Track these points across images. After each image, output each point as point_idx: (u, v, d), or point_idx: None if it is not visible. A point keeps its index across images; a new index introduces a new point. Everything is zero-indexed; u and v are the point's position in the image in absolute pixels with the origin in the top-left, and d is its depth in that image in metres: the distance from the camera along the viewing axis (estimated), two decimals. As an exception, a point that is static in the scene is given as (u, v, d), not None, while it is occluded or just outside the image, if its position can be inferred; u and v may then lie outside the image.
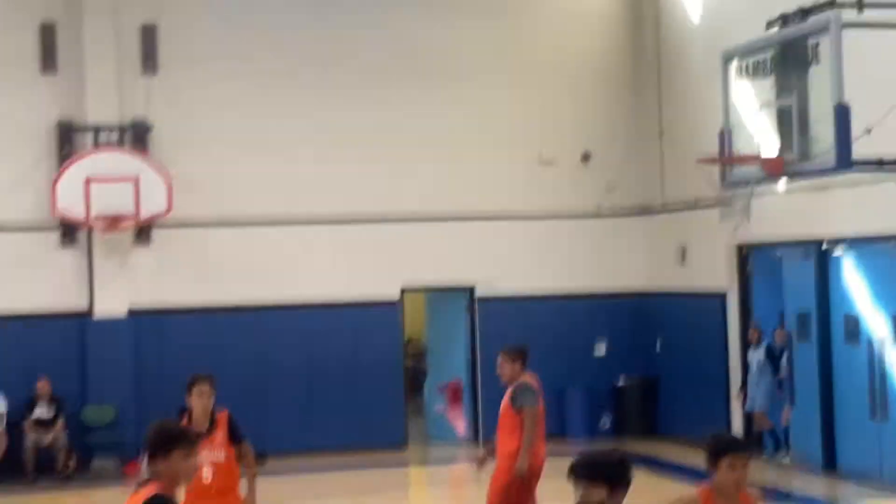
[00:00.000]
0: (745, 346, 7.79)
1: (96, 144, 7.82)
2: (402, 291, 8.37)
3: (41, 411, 7.25)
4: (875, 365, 7.00)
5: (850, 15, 4.84)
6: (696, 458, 4.47)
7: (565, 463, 1.08)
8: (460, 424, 8.86)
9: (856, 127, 4.50)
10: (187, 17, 8.08)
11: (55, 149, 7.88)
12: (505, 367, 4.09)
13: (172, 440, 1.13)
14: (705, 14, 8.15)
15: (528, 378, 4.09)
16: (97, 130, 7.80)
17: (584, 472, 0.99)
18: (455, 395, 8.97)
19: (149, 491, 1.06)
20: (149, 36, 7.86)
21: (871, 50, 5.50)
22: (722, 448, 1.62)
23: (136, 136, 7.79)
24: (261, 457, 4.74)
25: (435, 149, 8.26)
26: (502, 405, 4.14)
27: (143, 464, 1.54)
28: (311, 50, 8.13)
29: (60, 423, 7.24)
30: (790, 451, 7.47)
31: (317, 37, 8.22)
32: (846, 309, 7.21)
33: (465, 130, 8.35)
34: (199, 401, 3.25)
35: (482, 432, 7.73)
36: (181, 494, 2.31)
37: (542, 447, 4.20)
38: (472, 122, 8.38)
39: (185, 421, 3.21)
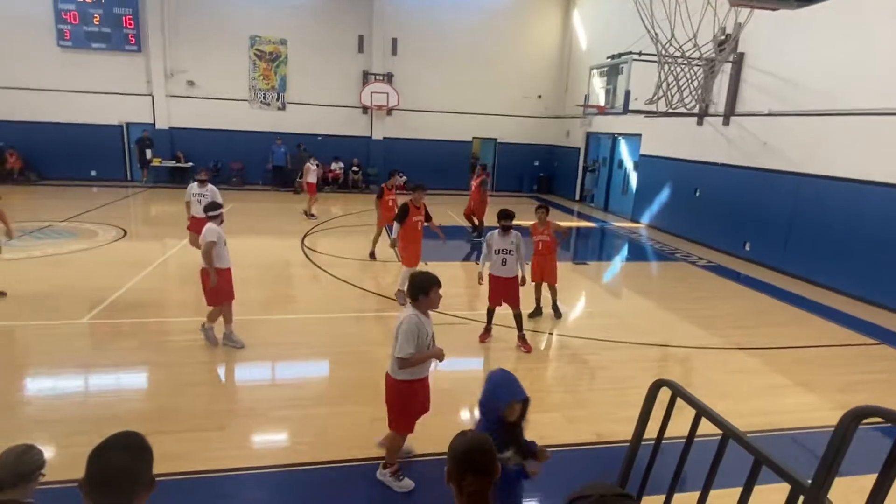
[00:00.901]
0: (584, 169, 22.60)
1: (374, 80, 21.37)
2: None
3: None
4: (627, 175, 21.35)
5: (636, 56, 11.48)
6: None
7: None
8: None
9: (637, 94, 16.53)
10: (411, 34, 21.43)
11: (360, 81, 21.75)
12: None
13: None
14: (587, 50, 20.97)
15: None
16: (375, 75, 21.79)
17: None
18: None
19: None
20: (394, 41, 21.55)
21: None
22: (536, 206, 9.52)
23: (387, 78, 21.79)
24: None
25: None
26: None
27: None
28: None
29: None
30: (593, 202, 22.55)
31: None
32: (618, 157, 21.63)
33: None
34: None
35: None
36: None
37: None
38: None
39: None
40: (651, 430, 2.59)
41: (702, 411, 2.18)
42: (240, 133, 20.28)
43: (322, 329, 7.06)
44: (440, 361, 3.90)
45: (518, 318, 6.63)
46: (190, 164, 19.92)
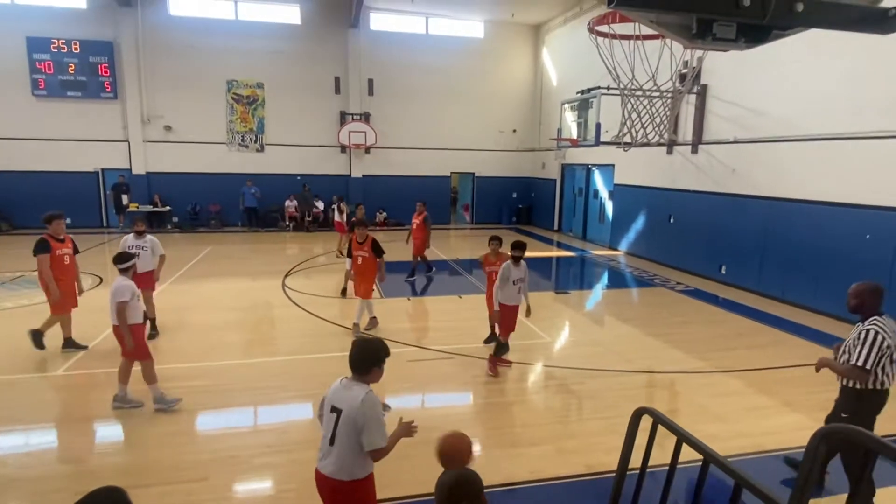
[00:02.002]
0: (563, 198, 22.99)
1: (352, 120, 21.72)
2: None
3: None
4: (603, 204, 21.89)
5: (604, 91, 13.92)
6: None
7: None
8: None
9: (608, 127, 15.18)
10: (387, 75, 21.93)
11: (338, 121, 21.93)
12: None
13: None
14: (557, 86, 21.60)
15: None
16: (352, 115, 22.10)
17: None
18: None
19: None
20: (370, 81, 21.96)
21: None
22: (490, 237, 8.01)
23: (365, 117, 22.11)
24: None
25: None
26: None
27: None
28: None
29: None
30: (571, 232, 22.90)
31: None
32: (594, 187, 22.12)
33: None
34: None
35: None
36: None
37: None
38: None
39: None
40: (637, 458, 2.60)
41: (682, 437, 2.21)
42: (218, 175, 20.29)
43: (305, 370, 6.97)
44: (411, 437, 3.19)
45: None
46: (167, 207, 19.80)
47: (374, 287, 8.53)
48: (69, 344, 7.41)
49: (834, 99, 9.61)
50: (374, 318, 8.57)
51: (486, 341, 7.81)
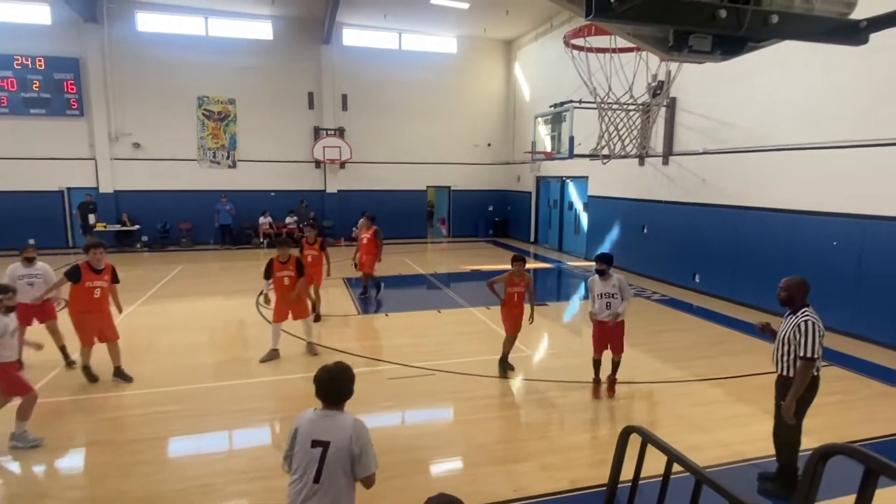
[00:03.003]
0: (538, 210, 23.17)
1: (326, 135, 21.73)
2: None
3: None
4: (578, 216, 22.14)
5: (576, 104, 11.86)
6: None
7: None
8: None
9: (581, 139, 14.37)
10: (361, 90, 21.79)
11: (312, 136, 21.75)
12: None
13: None
14: (530, 100, 21.81)
15: None
16: (326, 130, 21.98)
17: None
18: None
19: None
20: (344, 97, 21.90)
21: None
22: (513, 258, 7.01)
23: (339, 132, 22.00)
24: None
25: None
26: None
27: None
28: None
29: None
30: (547, 243, 23.01)
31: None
32: (569, 199, 22.36)
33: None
34: None
35: None
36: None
37: None
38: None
39: None
40: (624, 475, 2.55)
41: (673, 457, 2.17)
42: (189, 193, 19.91)
43: (280, 392, 6.78)
44: None
45: (617, 364, 6.56)
46: (136, 226, 19.32)
47: (355, 303, 8.34)
48: (86, 373, 6.98)
49: (799, 111, 9.89)
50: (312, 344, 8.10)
51: (505, 367, 7.33)
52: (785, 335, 4.25)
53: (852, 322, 8.97)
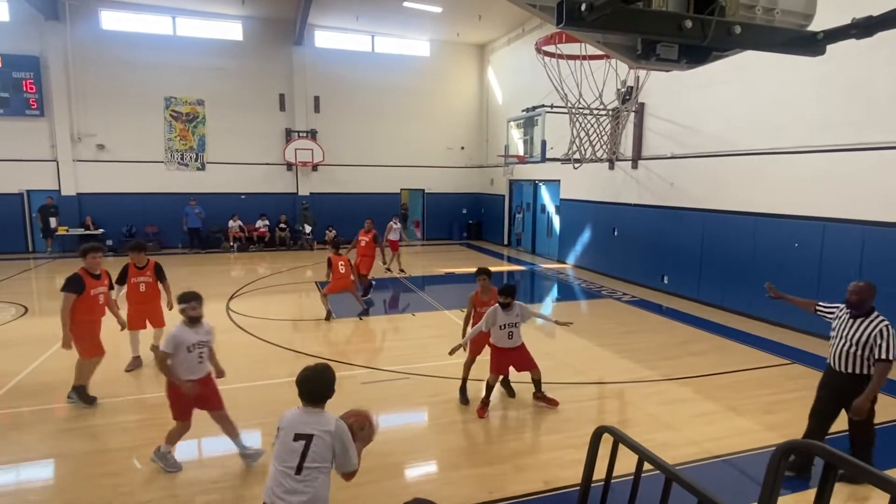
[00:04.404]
0: (511, 214, 23.33)
1: (298, 137, 21.42)
2: None
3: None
4: (550, 219, 22.39)
5: (548, 109, 12.28)
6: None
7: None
8: None
9: (553, 143, 16.41)
10: (334, 92, 21.61)
11: (283, 138, 21.38)
12: None
13: None
14: (503, 104, 21.98)
15: None
16: (298, 132, 21.71)
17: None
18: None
19: None
20: (317, 99, 21.69)
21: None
22: (477, 271, 6.60)
23: (311, 134, 21.75)
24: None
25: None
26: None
27: None
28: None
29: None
30: (521, 246, 23.23)
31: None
32: (541, 202, 22.59)
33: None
34: None
35: None
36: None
37: None
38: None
39: None
40: (596, 474, 2.59)
41: (644, 456, 2.22)
42: (155, 196, 19.45)
43: (252, 399, 6.66)
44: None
45: (538, 381, 6.37)
46: (101, 230, 18.76)
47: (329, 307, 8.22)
48: (79, 394, 6.31)
49: (760, 118, 10.22)
50: (138, 359, 7.66)
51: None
52: (861, 337, 4.44)
53: (813, 321, 9.28)
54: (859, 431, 4.69)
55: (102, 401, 6.41)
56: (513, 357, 6.29)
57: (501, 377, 6.48)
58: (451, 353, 6.21)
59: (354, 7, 18.53)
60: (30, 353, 7.92)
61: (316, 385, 2.99)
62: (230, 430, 5.08)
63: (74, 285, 6.16)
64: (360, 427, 3.10)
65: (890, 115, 8.11)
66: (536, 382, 6.41)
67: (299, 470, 2.82)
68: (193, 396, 4.82)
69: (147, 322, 7.49)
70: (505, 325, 6.15)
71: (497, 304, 6.17)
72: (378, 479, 4.68)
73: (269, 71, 20.27)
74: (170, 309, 7.40)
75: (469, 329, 6.47)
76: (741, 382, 7.22)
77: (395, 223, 15.90)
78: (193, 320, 4.86)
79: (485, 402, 6.20)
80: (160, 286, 7.56)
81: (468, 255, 19.81)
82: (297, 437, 2.86)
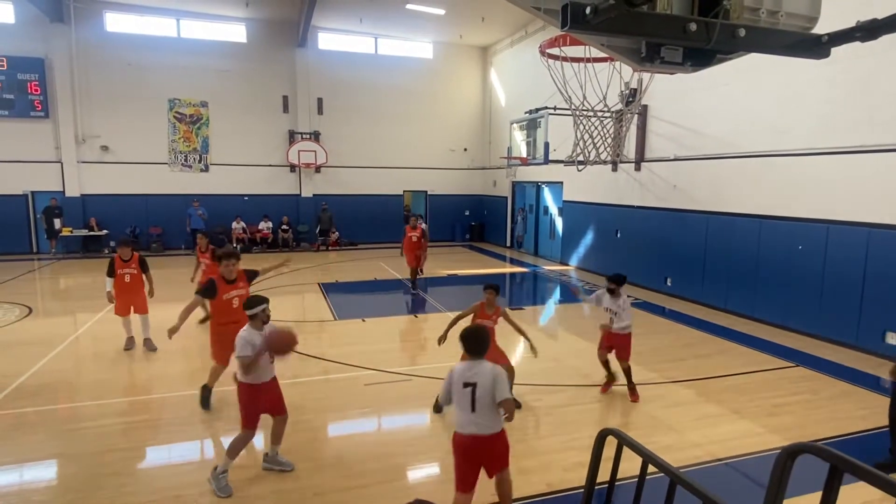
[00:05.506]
0: (514, 215, 23.32)
1: (301, 139, 21.53)
2: None
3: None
4: (553, 221, 22.38)
5: (551, 111, 12.03)
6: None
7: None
8: None
9: (556, 145, 13.53)
10: (337, 94, 21.71)
11: (287, 140, 21.53)
12: None
13: None
14: (505, 106, 21.91)
15: None
16: (301, 134, 21.80)
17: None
18: None
19: None
20: (320, 100, 21.74)
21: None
22: (485, 286, 6.09)
23: (314, 136, 21.82)
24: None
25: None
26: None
27: None
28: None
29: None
30: (523, 248, 23.20)
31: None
32: (544, 203, 22.64)
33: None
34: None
35: None
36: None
37: None
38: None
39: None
40: (600, 476, 2.59)
41: (648, 459, 2.21)
42: (159, 197, 19.51)
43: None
44: None
45: (625, 370, 6.76)
46: (104, 231, 18.82)
47: (331, 308, 8.26)
48: (202, 394, 6.37)
49: (764, 120, 10.21)
50: (132, 339, 8.50)
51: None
52: None
53: (817, 323, 9.26)
54: None
55: (103, 401, 6.42)
56: (612, 339, 6.79)
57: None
58: (440, 342, 6.23)
59: (358, 9, 18.56)
60: (34, 354, 7.95)
61: (477, 341, 3.77)
62: (279, 435, 4.92)
63: (207, 290, 6.18)
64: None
65: (894, 118, 8.09)
66: (624, 371, 6.76)
67: (473, 407, 3.65)
68: (266, 402, 4.69)
69: (132, 308, 8.29)
70: (608, 310, 6.82)
71: (605, 290, 6.88)
72: (381, 481, 4.68)
73: (273, 73, 20.32)
74: (151, 297, 8.45)
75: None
76: (745, 385, 7.20)
77: (422, 223, 15.54)
78: (254, 317, 4.59)
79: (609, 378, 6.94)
80: (143, 277, 8.34)
81: (471, 256, 19.81)
82: (466, 384, 3.65)
